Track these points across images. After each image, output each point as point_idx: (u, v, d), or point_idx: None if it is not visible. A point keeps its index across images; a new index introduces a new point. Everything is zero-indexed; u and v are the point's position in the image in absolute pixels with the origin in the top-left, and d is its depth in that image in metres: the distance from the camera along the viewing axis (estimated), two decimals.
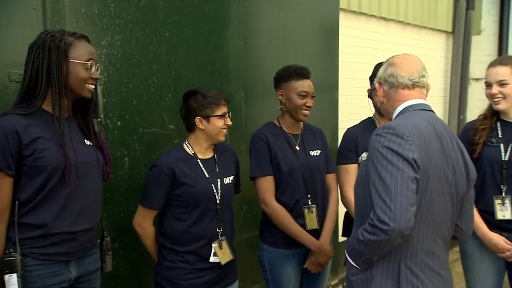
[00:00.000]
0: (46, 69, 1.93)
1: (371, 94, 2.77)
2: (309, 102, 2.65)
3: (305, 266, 2.67)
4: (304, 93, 2.63)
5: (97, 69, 2.03)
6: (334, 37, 4.24)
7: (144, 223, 2.37)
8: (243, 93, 3.46)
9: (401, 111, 1.94)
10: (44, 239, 1.93)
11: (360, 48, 4.99)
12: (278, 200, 2.63)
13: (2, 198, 1.89)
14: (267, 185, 2.62)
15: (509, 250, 2.57)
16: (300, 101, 2.63)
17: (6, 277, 1.85)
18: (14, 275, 1.85)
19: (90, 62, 1.99)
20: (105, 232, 2.23)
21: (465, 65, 6.49)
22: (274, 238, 2.65)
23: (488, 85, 2.60)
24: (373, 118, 2.81)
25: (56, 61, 1.93)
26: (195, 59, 3.11)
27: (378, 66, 2.67)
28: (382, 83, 2.02)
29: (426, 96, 2.02)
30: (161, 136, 2.94)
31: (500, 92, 2.53)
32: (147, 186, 2.34)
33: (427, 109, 1.93)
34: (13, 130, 1.86)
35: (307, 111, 2.65)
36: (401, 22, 5.53)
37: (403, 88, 1.95)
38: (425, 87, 1.99)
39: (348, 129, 2.85)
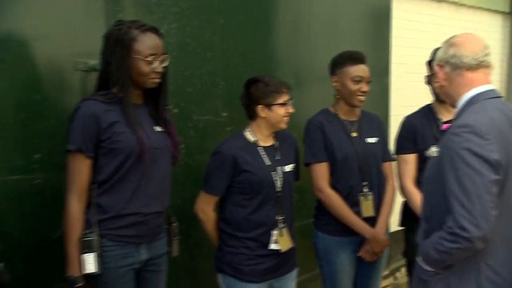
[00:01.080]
0: (114, 62, 2.08)
1: (430, 80, 2.83)
2: (364, 88, 2.70)
3: (359, 254, 2.75)
4: (358, 78, 2.68)
5: (162, 61, 2.16)
6: (385, 21, 4.28)
7: (206, 208, 2.51)
8: (294, 80, 3.56)
9: (469, 100, 1.93)
10: (118, 220, 2.10)
11: (411, 31, 4.99)
12: (332, 187, 2.71)
13: (82, 179, 2.06)
14: (321, 172, 2.71)
15: None
16: (355, 87, 2.69)
17: (85, 256, 2.02)
18: (92, 254, 2.03)
19: (151, 57, 2.11)
20: (172, 218, 2.39)
21: None
22: (329, 225, 2.75)
23: None
24: (431, 106, 2.86)
25: (120, 55, 2.07)
26: (247, 47, 3.23)
27: (437, 50, 2.72)
28: (443, 65, 1.99)
29: (490, 76, 1.99)
30: (215, 123, 3.07)
31: None
32: (210, 173, 2.47)
33: (497, 96, 1.93)
34: (93, 114, 2.04)
35: (362, 97, 2.71)
36: (455, 3, 5.50)
37: (467, 70, 1.93)
38: (489, 66, 1.96)
39: (406, 117, 2.92)
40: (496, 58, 6.41)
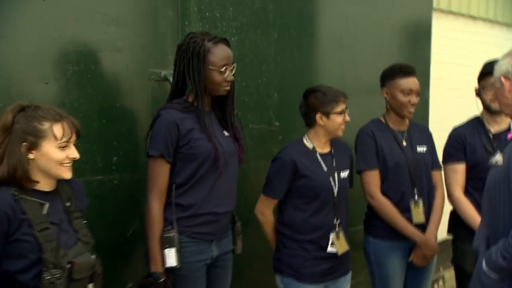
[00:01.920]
0: (190, 72, 2.29)
1: (480, 92, 3.01)
2: (414, 99, 2.88)
3: (410, 259, 2.92)
4: (408, 91, 2.86)
5: (232, 70, 2.37)
6: (426, 37, 4.48)
7: (266, 211, 2.70)
8: None
9: None
10: (194, 218, 2.31)
11: (447, 47, 5.17)
12: (383, 193, 2.88)
13: (163, 181, 2.28)
14: (373, 179, 2.88)
15: None
16: (404, 99, 2.87)
17: (166, 251, 2.23)
18: (173, 249, 2.23)
19: (224, 68, 2.32)
20: (236, 217, 2.58)
21: None
22: (380, 230, 2.92)
23: None
24: (481, 118, 3.04)
25: (197, 66, 2.29)
26: (298, 59, 3.44)
27: (488, 65, 2.90)
28: (511, 77, 2.12)
29: None
30: (268, 132, 3.28)
31: None
32: (270, 177, 2.67)
33: None
34: (174, 122, 2.25)
35: (412, 109, 2.88)
36: (490, 20, 5.69)
37: None
38: None
39: (455, 128, 3.09)
40: None
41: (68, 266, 1.83)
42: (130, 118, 2.59)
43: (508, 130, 2.96)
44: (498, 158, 2.15)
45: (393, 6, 4.10)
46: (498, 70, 2.20)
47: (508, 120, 2.98)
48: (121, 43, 2.52)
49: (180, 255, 2.25)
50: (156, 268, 2.25)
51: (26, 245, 1.80)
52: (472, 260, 2.94)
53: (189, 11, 2.79)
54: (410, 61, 4.22)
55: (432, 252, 2.89)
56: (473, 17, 5.47)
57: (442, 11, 5.04)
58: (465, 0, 5.24)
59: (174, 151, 2.28)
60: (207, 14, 2.88)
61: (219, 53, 2.32)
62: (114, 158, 2.52)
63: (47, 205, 1.86)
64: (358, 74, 3.83)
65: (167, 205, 2.32)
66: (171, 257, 2.24)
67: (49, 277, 1.78)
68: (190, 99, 2.34)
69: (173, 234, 2.26)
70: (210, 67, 2.30)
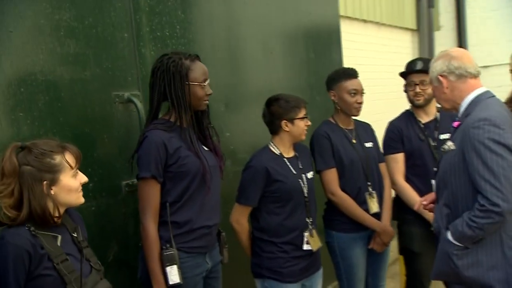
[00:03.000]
0: (172, 91, 2.36)
1: (407, 89, 3.39)
2: (360, 99, 3.16)
3: (370, 247, 3.20)
4: (354, 91, 3.14)
5: (208, 85, 2.48)
6: (336, 42, 4.84)
7: (241, 219, 2.81)
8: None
9: (473, 100, 2.40)
10: (190, 234, 2.37)
11: (346, 50, 5.65)
12: (341, 189, 3.12)
13: (155, 202, 2.31)
14: (332, 177, 3.12)
15: None
16: (351, 99, 3.14)
17: (168, 268, 2.27)
18: (175, 267, 2.27)
19: (205, 82, 2.42)
20: (220, 228, 2.66)
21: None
22: (342, 224, 3.16)
23: None
24: (411, 110, 3.43)
25: (180, 84, 2.36)
26: None
27: (409, 64, 3.34)
28: (447, 75, 2.44)
29: None
30: None
31: None
32: (244, 185, 2.78)
33: (494, 96, 2.45)
34: (162, 142, 2.29)
35: (359, 107, 3.16)
36: (377, 23, 6.29)
37: (471, 78, 2.41)
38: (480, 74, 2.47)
39: (390, 122, 3.46)
40: None
41: None
42: (101, 142, 2.57)
43: (434, 120, 3.38)
44: (449, 143, 2.44)
45: (300, 11, 4.26)
46: (434, 70, 2.51)
47: (434, 111, 3.40)
48: (85, 69, 2.51)
49: (180, 271, 2.30)
50: (159, 287, 2.28)
51: (49, 279, 1.79)
52: (419, 241, 3.34)
53: (143, 32, 2.83)
54: (324, 65, 4.61)
55: (390, 238, 3.19)
56: (364, 21, 6.01)
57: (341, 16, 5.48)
58: (357, 5, 5.75)
59: (163, 171, 2.33)
60: (158, 33, 2.93)
61: (199, 69, 2.41)
62: (90, 185, 2.48)
63: (60, 237, 1.87)
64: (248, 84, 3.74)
65: (161, 224, 2.35)
66: (174, 274, 2.28)
67: None
68: (172, 119, 2.39)
69: (173, 251, 2.30)
70: (192, 83, 2.38)
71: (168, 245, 2.31)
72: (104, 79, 2.60)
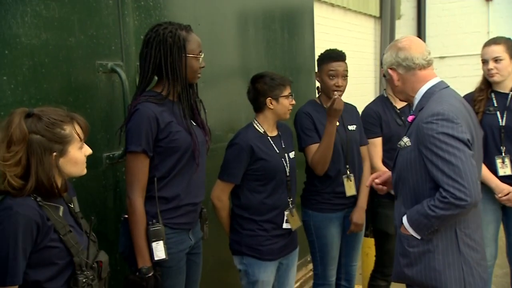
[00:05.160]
0: (169, 63, 2.30)
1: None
2: (339, 82, 3.13)
3: (349, 232, 3.26)
4: (333, 74, 3.14)
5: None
6: (309, 25, 4.85)
7: (222, 196, 2.81)
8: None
9: (426, 92, 2.28)
10: (176, 210, 2.34)
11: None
12: None
13: (144, 177, 2.26)
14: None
15: None
16: (330, 82, 3.14)
17: (154, 244, 2.23)
18: (161, 242, 2.24)
19: (201, 53, 2.37)
20: (202, 205, 2.64)
21: None
22: (319, 204, 3.20)
23: (485, 61, 3.31)
24: (385, 95, 3.48)
25: (177, 56, 2.30)
26: None
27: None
28: (396, 68, 2.31)
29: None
30: None
31: (495, 67, 3.32)
32: (227, 162, 2.77)
33: (447, 86, 2.31)
34: (154, 116, 2.23)
35: (337, 90, 3.12)
36: (344, 7, 6.35)
37: (420, 69, 2.28)
38: (433, 62, 2.34)
39: (367, 106, 3.50)
40: (371, 56, 7.46)
41: (95, 266, 1.83)
42: (84, 112, 2.44)
43: (408, 105, 3.44)
44: (405, 139, 2.35)
45: None
46: (385, 63, 2.39)
47: None
48: (70, 35, 2.40)
49: (166, 247, 2.27)
50: (145, 263, 2.24)
51: (55, 251, 1.74)
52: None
53: (127, 0, 2.74)
54: (297, 46, 4.62)
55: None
56: (332, 5, 6.06)
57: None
58: None
59: (153, 145, 2.28)
60: (142, 3, 2.85)
61: (194, 40, 2.37)
62: None
63: (61, 208, 1.81)
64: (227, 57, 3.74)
65: (147, 198, 2.30)
66: (159, 250, 2.25)
67: (85, 280, 1.77)
68: (163, 92, 2.33)
69: (159, 227, 2.26)
70: (189, 55, 2.32)
71: (154, 221, 2.27)
72: (89, 47, 2.50)
